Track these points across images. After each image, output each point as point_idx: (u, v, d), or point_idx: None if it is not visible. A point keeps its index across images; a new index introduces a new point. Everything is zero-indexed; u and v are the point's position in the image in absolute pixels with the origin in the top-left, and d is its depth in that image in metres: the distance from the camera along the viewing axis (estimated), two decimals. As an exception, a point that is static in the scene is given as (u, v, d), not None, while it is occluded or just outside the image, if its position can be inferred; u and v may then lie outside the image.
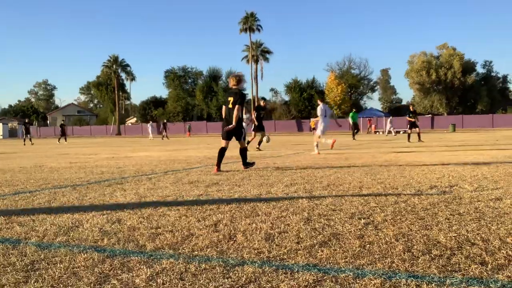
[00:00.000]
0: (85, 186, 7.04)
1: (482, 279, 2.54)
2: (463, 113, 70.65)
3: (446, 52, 77.78)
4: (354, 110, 30.21)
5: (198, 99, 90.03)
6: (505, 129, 53.88)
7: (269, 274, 2.68)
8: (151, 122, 53.97)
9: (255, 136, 17.67)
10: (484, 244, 3.23)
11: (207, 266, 2.85)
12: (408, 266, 2.79)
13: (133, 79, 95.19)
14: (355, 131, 28.55)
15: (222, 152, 8.97)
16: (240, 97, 8.90)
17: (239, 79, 9.16)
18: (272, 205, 4.95)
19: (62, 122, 42.78)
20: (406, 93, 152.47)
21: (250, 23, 75.59)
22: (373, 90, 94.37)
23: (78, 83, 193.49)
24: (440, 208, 4.56)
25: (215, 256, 3.07)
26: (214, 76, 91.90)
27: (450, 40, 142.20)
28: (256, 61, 78.19)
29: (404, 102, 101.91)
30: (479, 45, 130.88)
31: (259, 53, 78.87)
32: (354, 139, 27.20)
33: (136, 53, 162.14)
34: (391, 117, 45.67)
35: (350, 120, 29.23)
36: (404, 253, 3.05)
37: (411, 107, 24.16)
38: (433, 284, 2.46)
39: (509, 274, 2.61)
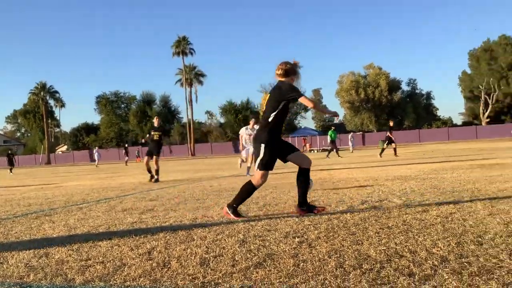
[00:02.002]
0: (11, 219, 6.68)
1: (410, 289, 2.64)
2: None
3: (373, 71, 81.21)
4: (333, 128, 29.86)
5: (132, 124, 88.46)
6: (431, 143, 56.61)
7: (204, 300, 2.65)
8: (97, 148, 51.54)
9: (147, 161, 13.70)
10: (412, 256, 3.36)
11: (139, 296, 2.77)
12: (340, 282, 2.85)
13: (62, 105, 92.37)
14: (333, 149, 28.09)
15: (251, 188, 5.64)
16: (285, 91, 5.34)
17: (288, 69, 5.49)
18: (207, 228, 4.91)
19: (9, 151, 39.97)
20: (337, 112, 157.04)
21: (182, 46, 75.61)
22: (306, 109, 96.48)
23: (3, 112, 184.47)
24: (371, 223, 4.70)
25: (148, 286, 2.99)
26: (147, 100, 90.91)
27: (375, 60, 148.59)
28: (190, 85, 78.09)
29: (336, 121, 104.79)
30: (403, 64, 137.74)
31: (193, 76, 78.89)
32: (328, 157, 26.55)
33: (66, 79, 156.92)
34: (352, 133, 46.13)
35: (328, 138, 28.88)
36: (337, 269, 3.11)
37: (391, 123, 24.10)
38: (364, 298, 2.53)
39: (435, 284, 2.72)
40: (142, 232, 4.93)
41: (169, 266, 3.46)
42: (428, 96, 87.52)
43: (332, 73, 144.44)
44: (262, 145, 5.40)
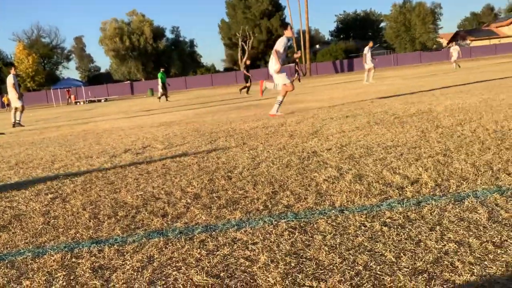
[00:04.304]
0: None
1: (162, 230, 2.69)
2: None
3: (136, 18, 79.60)
4: (162, 70, 27.11)
5: None
6: (196, 89, 58.86)
7: None
8: None
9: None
10: (167, 197, 3.43)
11: None
12: (93, 233, 2.75)
13: None
14: (164, 93, 26.06)
15: None
16: None
17: None
18: None
19: None
20: (103, 61, 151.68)
21: None
22: (68, 59, 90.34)
23: None
24: (131, 170, 4.66)
25: None
26: None
27: (138, 7, 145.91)
28: None
29: (102, 70, 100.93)
30: (166, 12, 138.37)
31: None
32: (167, 100, 25.21)
33: None
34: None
35: (159, 81, 26.29)
36: (90, 221, 2.99)
37: (247, 62, 25.96)
38: (116, 246, 2.49)
39: (187, 221, 2.83)
40: None
41: None
42: (192, 44, 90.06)
43: (94, 20, 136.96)
44: None
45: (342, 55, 73.76)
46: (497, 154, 3.74)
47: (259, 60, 79.83)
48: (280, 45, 8.92)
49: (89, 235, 2.71)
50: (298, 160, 4.35)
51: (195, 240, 2.48)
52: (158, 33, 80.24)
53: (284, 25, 9.19)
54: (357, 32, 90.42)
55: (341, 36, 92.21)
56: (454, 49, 29.57)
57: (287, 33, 9.03)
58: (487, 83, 11.74)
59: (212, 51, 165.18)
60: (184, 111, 14.27)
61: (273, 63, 8.93)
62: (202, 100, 22.10)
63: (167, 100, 25.55)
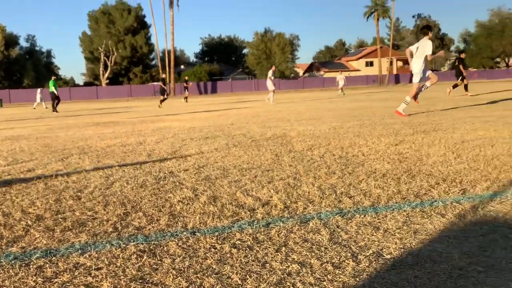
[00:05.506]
0: None
1: (-6, 255, 2.43)
2: (10, 88, 68.40)
3: (-14, 22, 72.88)
4: (54, 78, 23.36)
5: None
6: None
7: None
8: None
9: None
10: (5, 219, 3.12)
11: None
12: None
13: None
14: (56, 102, 22.79)
15: None
16: None
17: None
18: None
19: None
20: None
21: None
22: None
23: None
24: (-36, 188, 4.17)
25: None
26: None
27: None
28: None
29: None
30: (21, 19, 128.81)
31: None
32: (56, 111, 22.39)
33: None
34: (40, 89, 37.84)
35: (50, 89, 22.71)
36: None
37: (163, 75, 27.05)
38: None
39: (24, 245, 2.59)
40: None
41: None
42: (49, 54, 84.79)
43: None
44: None
45: (206, 77, 74.86)
46: (341, 178, 4.02)
47: (122, 76, 77.73)
48: (429, 48, 9.78)
49: None
50: (154, 180, 4.26)
51: (31, 266, 2.27)
52: (10, 40, 74.21)
53: (428, 28, 10.16)
54: (221, 56, 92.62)
55: (206, 59, 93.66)
56: (340, 78, 34.09)
57: (430, 36, 9.99)
58: (336, 112, 12.70)
59: (72, 64, 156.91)
60: (36, 125, 13.28)
61: (420, 65, 9.90)
62: (58, 114, 20.79)
63: (55, 108, 23.43)
